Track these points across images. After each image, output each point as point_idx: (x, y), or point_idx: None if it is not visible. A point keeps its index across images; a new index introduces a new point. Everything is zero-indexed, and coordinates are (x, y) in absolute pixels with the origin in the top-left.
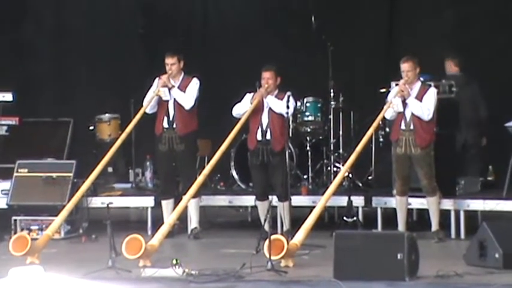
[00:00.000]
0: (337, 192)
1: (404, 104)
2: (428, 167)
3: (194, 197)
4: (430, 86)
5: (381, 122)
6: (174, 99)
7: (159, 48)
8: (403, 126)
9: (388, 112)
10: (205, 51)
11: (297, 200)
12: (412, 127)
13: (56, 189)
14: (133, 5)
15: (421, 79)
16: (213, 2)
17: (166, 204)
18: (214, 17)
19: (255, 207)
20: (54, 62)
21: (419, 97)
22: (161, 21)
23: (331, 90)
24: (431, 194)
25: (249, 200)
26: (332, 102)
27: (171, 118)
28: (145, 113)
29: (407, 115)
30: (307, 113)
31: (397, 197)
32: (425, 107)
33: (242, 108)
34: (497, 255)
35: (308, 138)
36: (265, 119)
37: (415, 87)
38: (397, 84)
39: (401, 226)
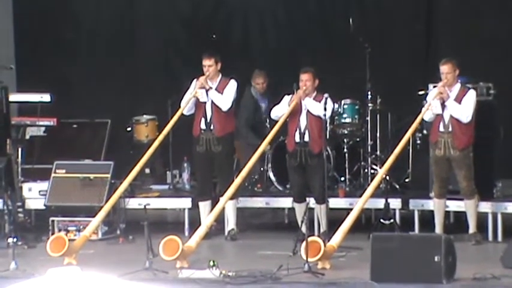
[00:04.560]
0: (374, 194)
1: (443, 106)
2: (467, 169)
3: (231, 198)
4: (469, 88)
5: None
6: (212, 100)
7: (198, 49)
8: (441, 128)
9: (427, 114)
10: (244, 54)
11: (334, 202)
12: (450, 129)
13: (93, 190)
14: (174, 8)
15: (458, 81)
16: (251, 9)
17: (204, 206)
18: (252, 23)
19: (291, 209)
20: (92, 63)
21: (459, 99)
22: (199, 26)
23: (369, 92)
24: (469, 197)
25: (286, 202)
26: (369, 104)
27: (208, 120)
28: (182, 114)
29: (446, 117)
30: (344, 115)
31: (435, 200)
32: (464, 109)
33: (280, 111)
34: None
35: (345, 140)
36: (303, 121)
37: (455, 89)
38: (435, 86)
39: (438, 228)
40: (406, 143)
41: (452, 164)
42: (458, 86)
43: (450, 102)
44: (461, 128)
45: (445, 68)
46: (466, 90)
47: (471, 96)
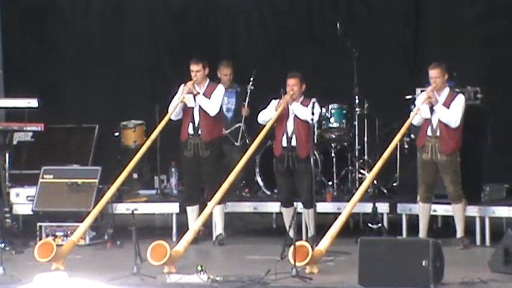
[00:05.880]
0: (362, 198)
1: (432, 110)
2: (454, 173)
3: (219, 203)
4: (458, 93)
5: None
6: (199, 105)
7: (185, 55)
8: (429, 133)
9: (416, 118)
10: (230, 58)
11: (322, 207)
12: (438, 133)
13: (81, 196)
14: (162, 12)
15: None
16: (238, 13)
17: (191, 211)
18: (239, 28)
19: (279, 213)
20: (80, 68)
21: (447, 104)
22: (187, 31)
23: (356, 97)
24: (456, 201)
25: (273, 207)
26: (357, 109)
27: (196, 124)
28: (170, 119)
29: (434, 122)
30: (332, 120)
31: (420, 204)
32: (452, 114)
33: (267, 115)
34: None
35: (333, 144)
36: (290, 125)
37: (443, 94)
38: (422, 91)
39: (422, 233)
40: (395, 147)
41: (439, 168)
42: (447, 90)
43: (439, 107)
44: (449, 132)
45: (434, 73)
46: (455, 94)
47: (460, 101)
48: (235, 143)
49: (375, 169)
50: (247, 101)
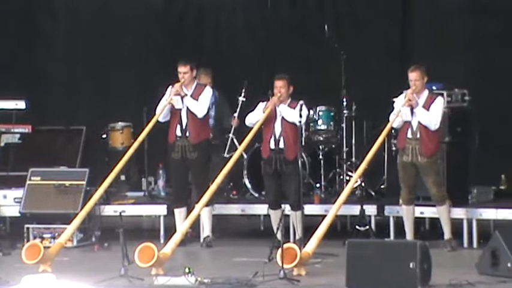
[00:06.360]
0: (350, 201)
1: (412, 113)
2: (436, 175)
3: (207, 205)
4: (437, 95)
5: (393, 131)
6: (187, 107)
7: (173, 56)
8: (409, 135)
9: (396, 121)
10: (217, 62)
11: (310, 209)
12: (418, 136)
13: (68, 197)
14: (148, 15)
15: (433, 88)
16: (225, 13)
17: (179, 213)
18: (227, 29)
19: (267, 215)
20: (67, 70)
21: (427, 106)
22: (174, 32)
23: (344, 99)
24: (440, 203)
25: (261, 209)
26: (345, 111)
27: (184, 126)
28: (158, 121)
29: (414, 124)
30: (319, 122)
31: (403, 206)
32: (432, 117)
33: (255, 117)
34: (509, 264)
35: (321, 147)
36: (278, 127)
37: (423, 96)
38: (400, 94)
39: (409, 235)
40: (378, 149)
41: (419, 171)
42: (426, 93)
43: (419, 109)
44: (428, 135)
45: (413, 75)
46: (434, 97)
47: (439, 103)
48: (224, 155)
49: (358, 171)
50: (237, 112)
